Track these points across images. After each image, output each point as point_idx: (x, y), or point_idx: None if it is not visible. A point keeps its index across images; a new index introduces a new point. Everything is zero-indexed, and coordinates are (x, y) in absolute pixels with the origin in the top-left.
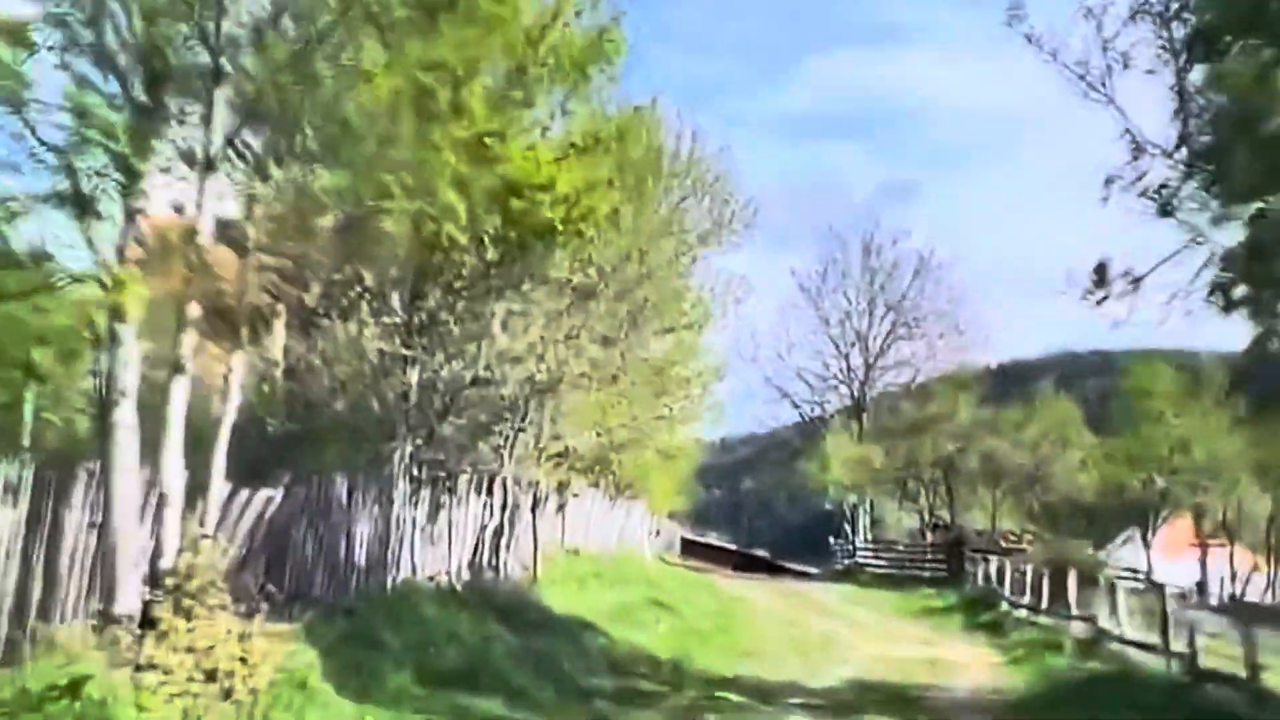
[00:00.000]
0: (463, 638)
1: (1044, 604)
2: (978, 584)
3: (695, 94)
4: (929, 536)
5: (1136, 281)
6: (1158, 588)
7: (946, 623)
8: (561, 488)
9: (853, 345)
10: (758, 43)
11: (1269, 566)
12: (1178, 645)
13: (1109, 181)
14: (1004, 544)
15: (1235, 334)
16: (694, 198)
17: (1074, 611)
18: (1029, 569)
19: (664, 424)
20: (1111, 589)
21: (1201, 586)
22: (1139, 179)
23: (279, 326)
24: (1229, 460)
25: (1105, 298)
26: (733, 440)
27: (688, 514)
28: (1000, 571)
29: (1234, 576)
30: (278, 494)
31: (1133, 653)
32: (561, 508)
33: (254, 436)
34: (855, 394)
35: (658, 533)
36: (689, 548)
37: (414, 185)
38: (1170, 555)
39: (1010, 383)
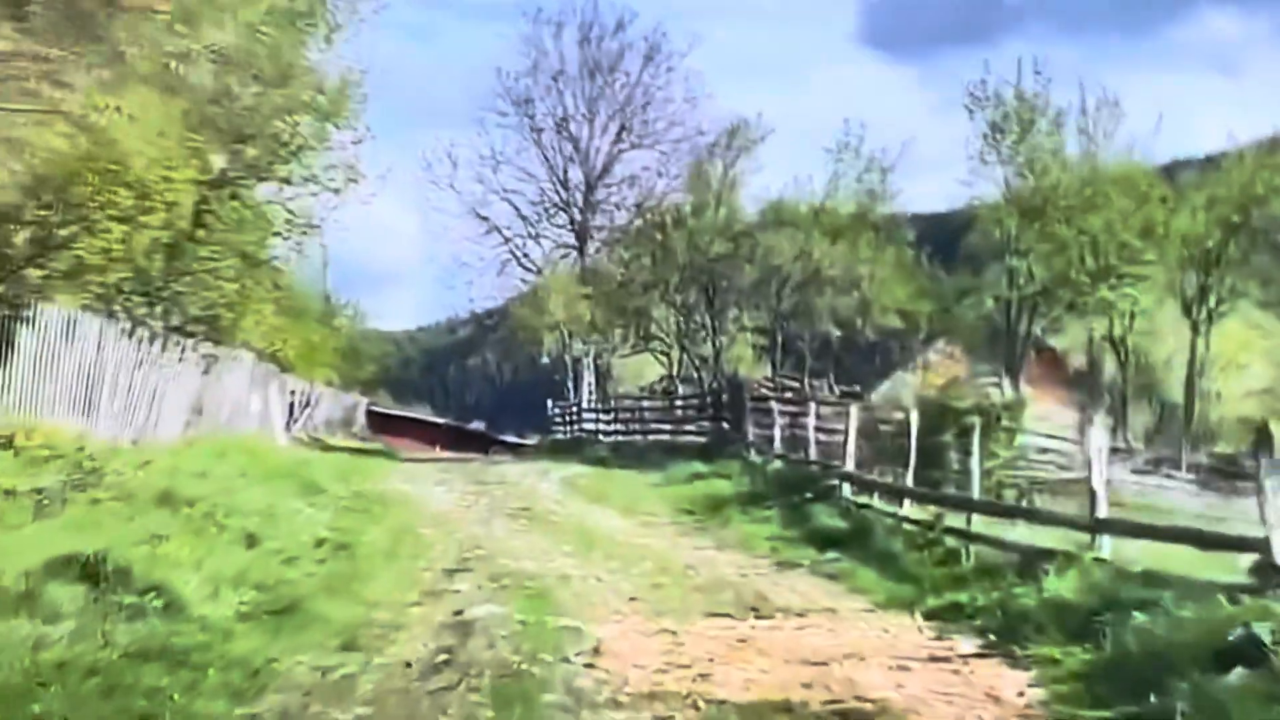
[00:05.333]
0: None
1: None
2: (771, 452)
3: None
4: (681, 389)
5: None
6: None
7: (761, 533)
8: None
9: (571, 159)
10: None
11: None
12: None
13: None
14: (787, 394)
15: None
16: None
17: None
18: (899, 426)
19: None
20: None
21: None
22: None
23: None
24: None
25: None
26: (459, 319)
27: (376, 384)
28: (816, 432)
29: None
30: None
31: None
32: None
33: None
34: (576, 220)
35: (305, 403)
36: (380, 423)
37: None
38: None
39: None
